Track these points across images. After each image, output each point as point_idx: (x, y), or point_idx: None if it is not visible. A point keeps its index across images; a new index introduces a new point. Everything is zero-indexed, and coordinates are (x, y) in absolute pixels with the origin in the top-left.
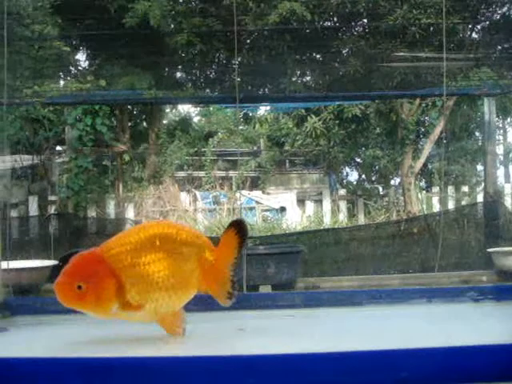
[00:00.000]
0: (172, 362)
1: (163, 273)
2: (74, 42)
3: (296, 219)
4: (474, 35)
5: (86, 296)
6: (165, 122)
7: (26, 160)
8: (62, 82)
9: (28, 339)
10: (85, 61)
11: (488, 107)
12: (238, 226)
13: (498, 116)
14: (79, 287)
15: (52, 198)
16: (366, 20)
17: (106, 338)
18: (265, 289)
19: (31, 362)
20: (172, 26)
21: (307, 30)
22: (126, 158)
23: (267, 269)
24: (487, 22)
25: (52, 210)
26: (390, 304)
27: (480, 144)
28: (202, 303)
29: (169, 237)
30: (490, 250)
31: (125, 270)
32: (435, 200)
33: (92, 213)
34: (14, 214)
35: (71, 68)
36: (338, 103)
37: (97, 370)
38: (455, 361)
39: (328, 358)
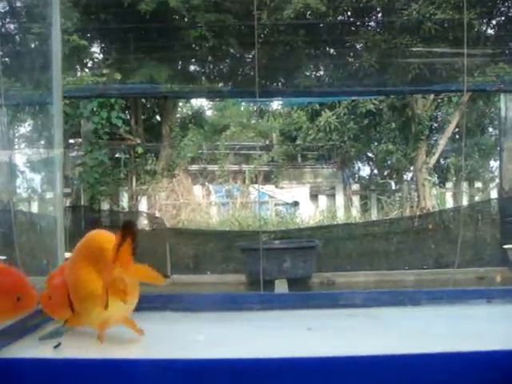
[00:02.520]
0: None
1: (80, 282)
2: (90, 35)
3: (309, 214)
4: (491, 31)
5: (52, 306)
6: (178, 115)
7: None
8: (78, 75)
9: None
10: (99, 53)
11: (504, 103)
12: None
13: None
14: (49, 298)
15: (66, 190)
16: (380, 15)
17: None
18: (280, 283)
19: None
20: (186, 19)
21: (321, 25)
22: (140, 150)
23: (283, 263)
24: (503, 18)
25: (67, 203)
26: (450, 304)
27: (494, 140)
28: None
29: (95, 246)
30: (505, 246)
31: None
32: (448, 195)
33: (106, 205)
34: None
35: (87, 61)
36: (353, 98)
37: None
38: None
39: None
